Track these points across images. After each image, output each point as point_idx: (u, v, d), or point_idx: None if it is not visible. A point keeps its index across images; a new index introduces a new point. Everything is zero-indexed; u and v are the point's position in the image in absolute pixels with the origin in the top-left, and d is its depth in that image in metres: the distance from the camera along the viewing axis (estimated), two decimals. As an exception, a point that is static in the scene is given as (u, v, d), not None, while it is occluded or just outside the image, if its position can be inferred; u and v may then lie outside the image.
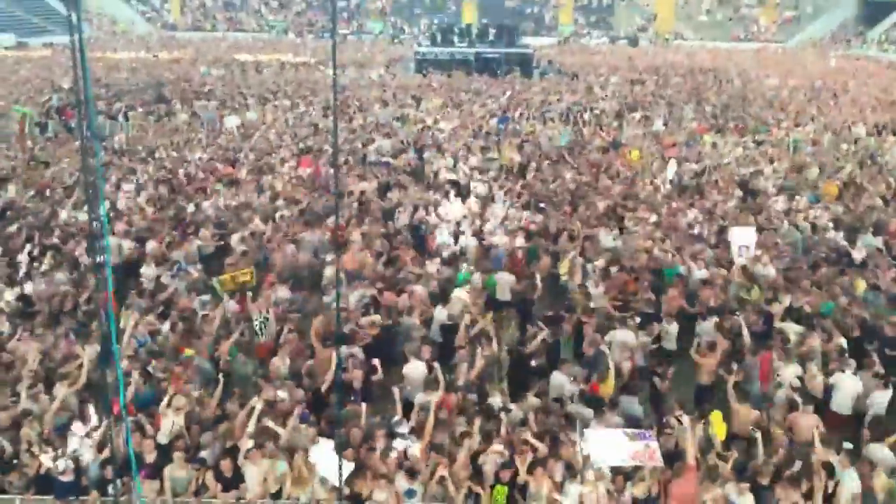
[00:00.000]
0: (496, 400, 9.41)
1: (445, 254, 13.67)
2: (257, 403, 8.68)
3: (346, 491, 7.71)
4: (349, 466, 7.68)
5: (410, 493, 7.96)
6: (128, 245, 13.73)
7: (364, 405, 9.14)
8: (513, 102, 31.10)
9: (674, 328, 11.35)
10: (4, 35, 56.28)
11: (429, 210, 15.55)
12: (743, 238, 13.35)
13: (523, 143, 22.97)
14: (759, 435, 8.65)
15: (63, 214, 15.20)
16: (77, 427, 8.51)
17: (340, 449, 7.32)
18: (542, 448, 8.42)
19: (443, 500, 8.06)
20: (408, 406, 9.42)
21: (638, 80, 39.60)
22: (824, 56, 57.06)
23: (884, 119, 28.11)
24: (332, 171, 16.90)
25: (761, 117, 28.64)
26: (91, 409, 8.74)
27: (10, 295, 11.76)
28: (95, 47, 50.85)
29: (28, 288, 12.07)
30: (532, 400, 9.50)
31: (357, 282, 12.14)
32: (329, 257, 12.89)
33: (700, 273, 12.66)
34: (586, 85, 37.25)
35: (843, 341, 10.57)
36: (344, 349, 10.02)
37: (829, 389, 9.86)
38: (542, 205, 16.35)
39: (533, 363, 10.47)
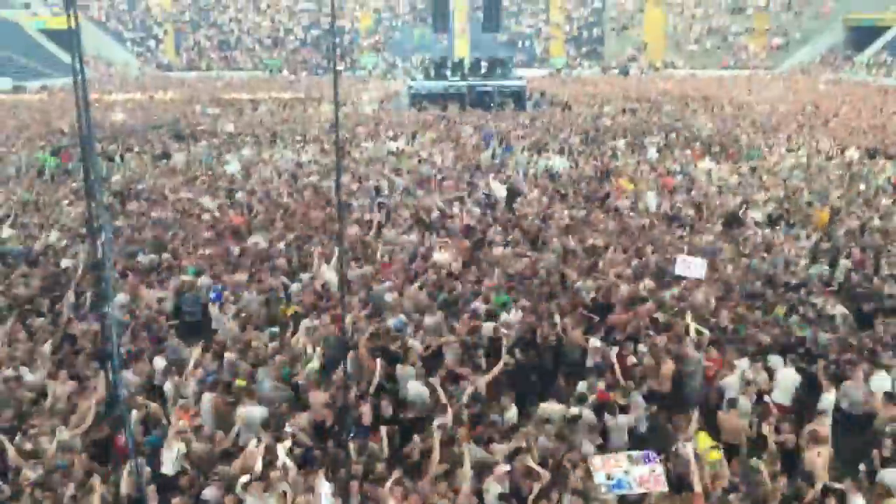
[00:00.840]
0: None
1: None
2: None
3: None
4: None
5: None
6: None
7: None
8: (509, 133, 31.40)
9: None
10: (1, 79, 56.68)
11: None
12: (687, 268, 13.39)
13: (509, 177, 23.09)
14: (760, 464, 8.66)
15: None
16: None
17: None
18: (546, 475, 8.39)
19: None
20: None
21: (630, 109, 39.98)
22: (814, 81, 57.69)
23: (874, 143, 28.36)
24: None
25: (753, 143, 28.88)
26: None
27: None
28: (91, 89, 51.07)
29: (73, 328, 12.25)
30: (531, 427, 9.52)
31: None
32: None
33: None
34: (579, 115, 37.62)
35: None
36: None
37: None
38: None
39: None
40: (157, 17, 77.99)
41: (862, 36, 67.75)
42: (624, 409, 9.87)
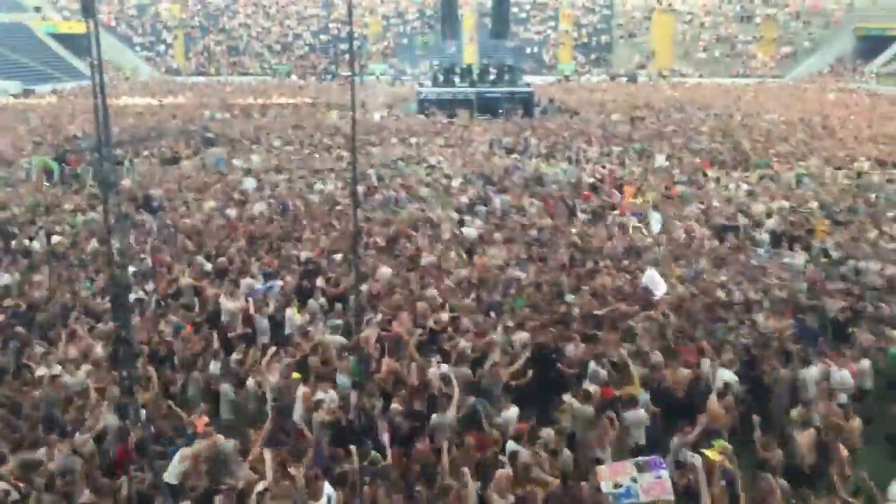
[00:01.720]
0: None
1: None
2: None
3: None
4: None
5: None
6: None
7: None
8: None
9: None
10: (10, 82, 57.01)
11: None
12: (653, 282, 13.19)
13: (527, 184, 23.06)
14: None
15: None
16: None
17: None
18: (553, 482, 8.34)
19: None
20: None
21: (638, 117, 39.94)
22: (823, 90, 57.59)
23: (884, 152, 28.27)
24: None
25: (762, 152, 28.80)
26: None
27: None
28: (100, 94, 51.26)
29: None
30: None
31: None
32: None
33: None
34: (587, 122, 37.62)
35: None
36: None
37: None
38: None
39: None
40: (166, 22, 78.38)
41: (872, 45, 67.67)
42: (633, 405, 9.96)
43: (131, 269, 14.54)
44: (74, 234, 17.82)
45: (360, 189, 21.09)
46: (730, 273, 14.67)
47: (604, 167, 25.80)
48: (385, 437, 9.23)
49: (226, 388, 10.72)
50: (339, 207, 19.57)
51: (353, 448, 8.97)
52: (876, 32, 67.79)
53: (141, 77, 68.57)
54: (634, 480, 8.14)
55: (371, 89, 55.48)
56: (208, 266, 15.14)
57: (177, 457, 8.70)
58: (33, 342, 11.92)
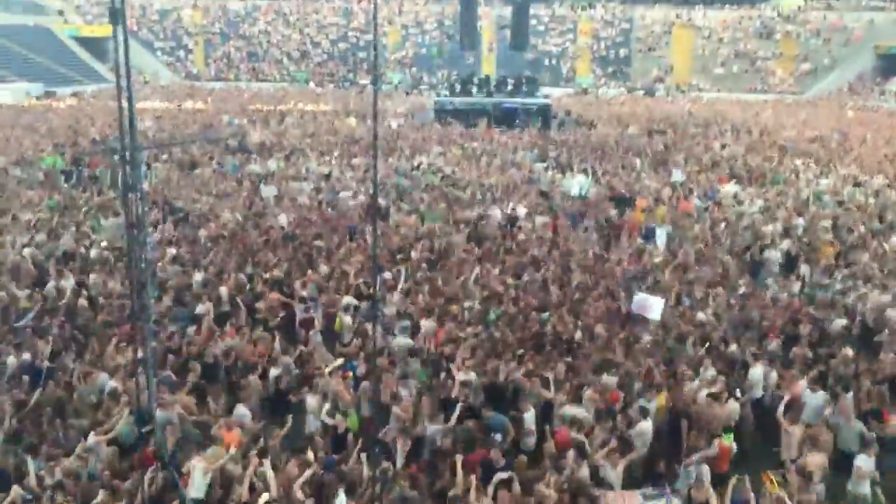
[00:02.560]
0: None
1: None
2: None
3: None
4: None
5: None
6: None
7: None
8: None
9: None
10: (33, 84, 57.58)
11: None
12: (645, 307, 12.99)
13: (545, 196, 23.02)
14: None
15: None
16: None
17: None
18: (553, 496, 8.32)
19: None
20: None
21: (656, 131, 39.86)
22: (841, 108, 57.30)
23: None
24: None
25: (779, 168, 28.69)
26: None
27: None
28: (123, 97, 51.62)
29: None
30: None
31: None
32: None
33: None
34: (604, 135, 37.60)
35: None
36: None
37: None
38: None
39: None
40: (187, 28, 79.00)
41: (892, 64, 67.31)
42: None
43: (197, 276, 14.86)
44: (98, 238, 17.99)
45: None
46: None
47: (620, 179, 25.78)
48: (399, 446, 9.24)
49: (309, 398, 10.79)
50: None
51: (364, 456, 9.01)
52: (896, 51, 67.54)
53: (161, 81, 69.06)
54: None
55: (388, 98, 55.73)
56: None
57: (198, 471, 8.72)
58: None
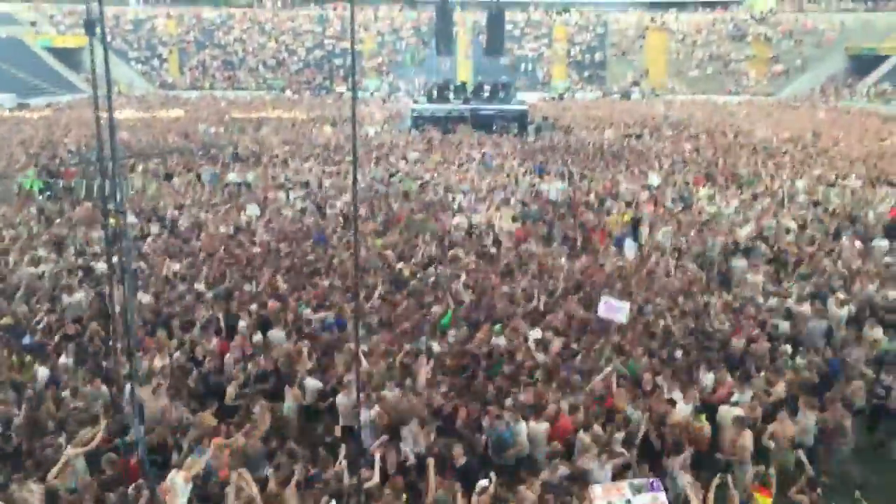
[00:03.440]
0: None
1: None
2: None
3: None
4: None
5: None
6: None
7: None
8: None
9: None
10: (5, 95, 56.91)
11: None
12: (610, 311, 12.88)
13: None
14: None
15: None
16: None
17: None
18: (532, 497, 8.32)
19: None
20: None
21: (632, 134, 40.12)
22: (814, 108, 57.96)
23: (876, 171, 28.42)
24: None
25: (754, 169, 28.91)
26: None
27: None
28: (99, 107, 51.20)
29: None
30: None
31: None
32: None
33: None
34: (581, 139, 37.80)
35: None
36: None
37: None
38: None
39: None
40: (161, 37, 78.49)
41: (863, 64, 68.22)
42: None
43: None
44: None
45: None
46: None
47: (592, 182, 25.91)
48: (377, 456, 9.20)
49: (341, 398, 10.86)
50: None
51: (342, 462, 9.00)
52: (867, 52, 68.35)
53: (136, 91, 68.52)
54: (629, 502, 8.10)
55: (365, 105, 55.66)
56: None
57: (179, 481, 8.65)
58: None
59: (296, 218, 21.47)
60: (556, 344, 12.44)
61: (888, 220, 21.09)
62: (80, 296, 14.75)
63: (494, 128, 41.52)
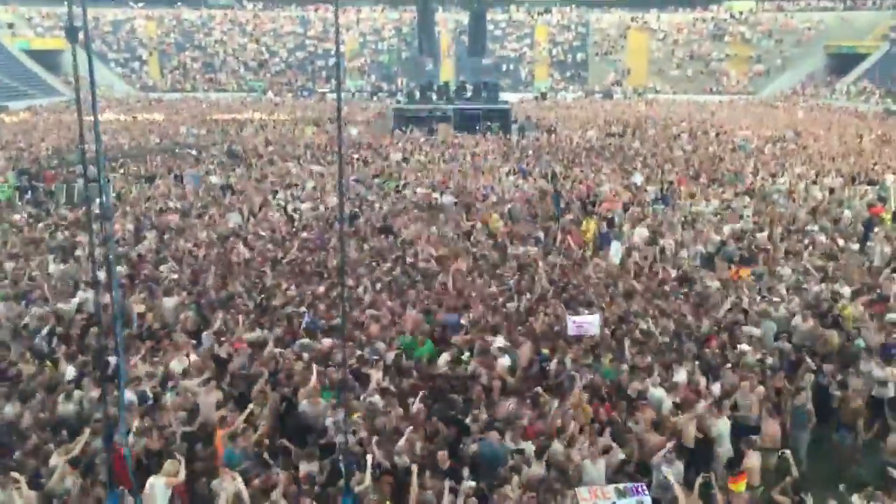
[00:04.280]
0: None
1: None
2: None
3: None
4: None
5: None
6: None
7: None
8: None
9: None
10: (-17, 99, 56.51)
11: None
12: (581, 327, 12.67)
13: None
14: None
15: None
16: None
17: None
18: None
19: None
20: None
21: (614, 133, 40.27)
22: (794, 107, 58.42)
23: (855, 168, 28.64)
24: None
25: (735, 168, 29.06)
26: None
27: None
28: (75, 110, 50.89)
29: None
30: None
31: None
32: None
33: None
34: (564, 139, 37.90)
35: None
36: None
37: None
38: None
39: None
40: (141, 39, 77.99)
41: (842, 63, 68.84)
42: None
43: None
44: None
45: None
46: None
47: (580, 183, 25.91)
48: (370, 459, 9.15)
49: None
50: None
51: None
52: (846, 50, 69.02)
53: (116, 94, 68.02)
54: (616, 508, 8.14)
55: (347, 105, 55.55)
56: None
57: (159, 486, 8.61)
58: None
59: (289, 219, 21.35)
60: (525, 352, 12.23)
61: (867, 216, 21.25)
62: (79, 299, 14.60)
63: (478, 128, 41.55)
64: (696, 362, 11.86)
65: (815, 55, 72.19)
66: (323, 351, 12.20)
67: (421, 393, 10.71)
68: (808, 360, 11.95)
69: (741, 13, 78.74)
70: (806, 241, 18.62)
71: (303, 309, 13.77)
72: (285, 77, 74.85)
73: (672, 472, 8.85)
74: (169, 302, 14.34)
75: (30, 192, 25.66)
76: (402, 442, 9.32)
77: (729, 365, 11.72)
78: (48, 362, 11.96)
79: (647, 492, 8.33)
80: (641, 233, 19.40)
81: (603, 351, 12.20)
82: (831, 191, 24.61)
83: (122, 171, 28.72)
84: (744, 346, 12.44)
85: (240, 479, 8.60)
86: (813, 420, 10.78)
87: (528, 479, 8.80)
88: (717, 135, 39.98)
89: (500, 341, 12.42)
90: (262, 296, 14.80)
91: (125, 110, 53.43)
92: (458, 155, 32.63)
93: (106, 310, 13.59)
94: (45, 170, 28.56)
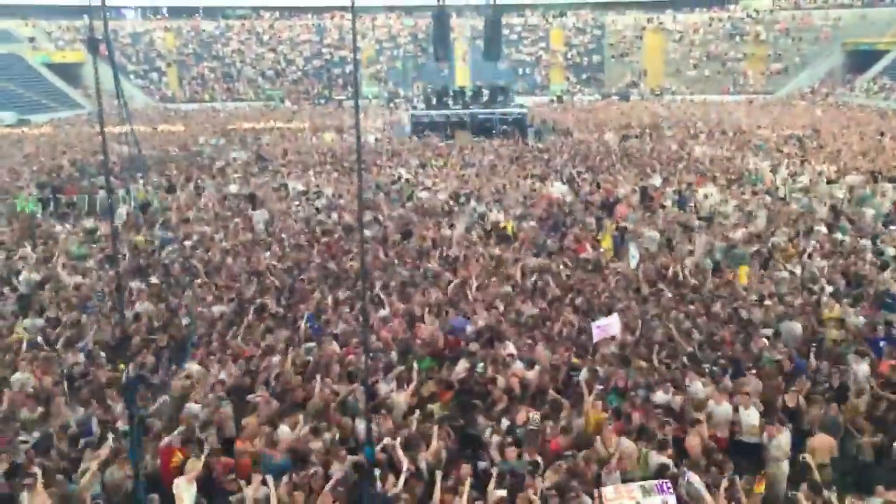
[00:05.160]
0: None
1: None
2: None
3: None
4: None
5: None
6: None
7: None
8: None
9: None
10: (6, 113, 57.09)
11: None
12: (604, 331, 12.60)
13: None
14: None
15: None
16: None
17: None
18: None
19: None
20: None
21: (631, 135, 40.15)
22: (813, 105, 57.98)
23: (875, 167, 28.42)
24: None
25: (755, 167, 28.94)
26: None
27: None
28: (95, 123, 51.41)
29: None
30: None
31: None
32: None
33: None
34: (581, 141, 37.88)
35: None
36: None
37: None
38: None
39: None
40: (160, 50, 78.71)
41: (861, 60, 68.23)
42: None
43: None
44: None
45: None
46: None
47: (598, 186, 25.86)
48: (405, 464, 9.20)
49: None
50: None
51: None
52: (865, 47, 68.40)
53: (136, 105, 68.57)
54: (639, 504, 8.11)
55: (364, 112, 55.70)
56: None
57: (183, 485, 8.79)
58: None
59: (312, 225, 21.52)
60: (542, 356, 12.19)
61: (886, 213, 21.15)
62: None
63: (494, 132, 41.58)
64: (715, 367, 11.84)
65: (833, 53, 71.59)
66: (328, 355, 12.24)
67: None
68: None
69: (758, 12, 78.23)
70: (814, 242, 18.44)
71: (307, 313, 13.94)
72: (302, 85, 75.24)
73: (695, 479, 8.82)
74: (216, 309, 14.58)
75: (52, 203, 25.98)
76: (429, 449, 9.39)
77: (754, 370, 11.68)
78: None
79: (671, 490, 8.28)
80: (653, 236, 19.35)
81: (632, 356, 12.07)
82: (851, 189, 24.45)
83: (142, 181, 28.94)
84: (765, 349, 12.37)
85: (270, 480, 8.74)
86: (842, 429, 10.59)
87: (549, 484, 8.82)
88: (736, 134, 39.78)
89: (510, 347, 12.45)
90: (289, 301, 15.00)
91: (145, 121, 53.83)
92: (476, 160, 32.67)
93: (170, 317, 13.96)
94: (67, 182, 28.90)
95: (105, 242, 19.97)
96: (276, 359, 12.09)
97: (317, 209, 23.33)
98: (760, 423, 10.31)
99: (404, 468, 8.92)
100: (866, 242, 18.52)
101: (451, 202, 23.87)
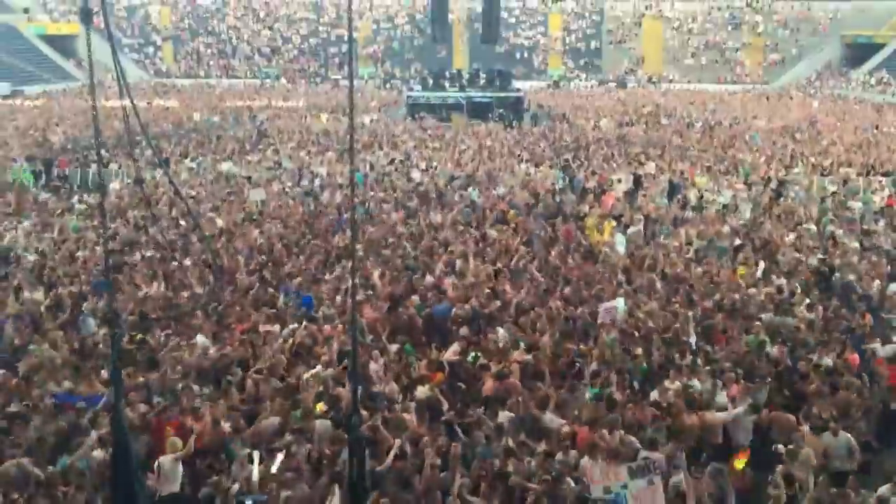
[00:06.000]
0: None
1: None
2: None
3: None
4: None
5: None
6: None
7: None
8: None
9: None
10: (0, 83, 56.71)
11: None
12: (609, 312, 12.66)
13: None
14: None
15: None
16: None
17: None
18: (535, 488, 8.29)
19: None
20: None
21: (628, 123, 40.14)
22: (809, 97, 57.99)
23: (869, 159, 28.47)
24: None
25: (749, 158, 28.94)
26: None
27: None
28: (89, 96, 51.05)
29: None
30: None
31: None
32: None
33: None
34: (577, 127, 37.83)
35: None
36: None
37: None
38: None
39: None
40: (155, 25, 78.12)
41: (859, 52, 68.21)
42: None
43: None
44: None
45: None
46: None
47: (594, 173, 25.85)
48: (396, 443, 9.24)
49: None
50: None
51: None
52: (863, 40, 68.38)
53: (130, 80, 68.08)
54: (625, 487, 8.07)
55: (360, 93, 55.50)
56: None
57: (167, 463, 8.81)
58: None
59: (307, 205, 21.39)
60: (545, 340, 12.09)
61: (881, 207, 21.17)
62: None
63: (490, 116, 41.50)
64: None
65: (831, 45, 71.55)
66: (313, 335, 12.22)
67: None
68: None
69: (757, 2, 78.04)
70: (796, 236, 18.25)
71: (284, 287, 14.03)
72: (298, 63, 74.82)
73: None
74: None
75: (44, 176, 25.87)
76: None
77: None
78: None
79: (657, 471, 8.24)
80: (639, 225, 19.23)
81: (632, 347, 11.87)
82: (844, 182, 24.49)
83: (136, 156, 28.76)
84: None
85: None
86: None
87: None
88: (731, 125, 39.79)
89: (501, 333, 12.40)
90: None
91: (139, 96, 53.47)
92: (471, 143, 32.63)
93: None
94: (60, 154, 28.77)
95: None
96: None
97: (307, 193, 23.16)
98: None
99: (394, 445, 8.96)
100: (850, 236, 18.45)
101: (446, 185, 23.82)
